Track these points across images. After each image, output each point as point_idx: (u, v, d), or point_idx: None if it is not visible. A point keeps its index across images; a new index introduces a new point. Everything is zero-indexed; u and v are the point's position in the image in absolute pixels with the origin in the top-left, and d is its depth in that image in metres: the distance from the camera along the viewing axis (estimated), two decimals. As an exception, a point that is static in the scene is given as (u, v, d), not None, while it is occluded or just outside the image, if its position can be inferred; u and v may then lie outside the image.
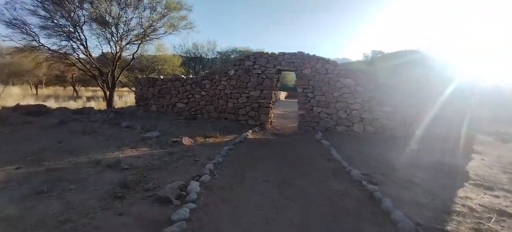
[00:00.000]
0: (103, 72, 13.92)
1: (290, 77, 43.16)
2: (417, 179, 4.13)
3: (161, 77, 9.68)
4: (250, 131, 7.78)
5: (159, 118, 9.37)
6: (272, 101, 8.84)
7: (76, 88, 24.82)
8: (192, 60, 24.48)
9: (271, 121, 9.29)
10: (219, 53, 25.50)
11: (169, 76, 10.16)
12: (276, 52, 8.38)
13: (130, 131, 7.09)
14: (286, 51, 8.32)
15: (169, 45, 58.61)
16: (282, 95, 41.94)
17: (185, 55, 24.27)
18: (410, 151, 5.92)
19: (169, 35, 14.84)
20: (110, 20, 12.93)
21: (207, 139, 6.60)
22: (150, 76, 9.83)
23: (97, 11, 12.29)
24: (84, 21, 12.70)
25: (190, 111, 9.34)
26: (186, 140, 5.94)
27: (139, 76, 10.05)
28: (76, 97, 20.01)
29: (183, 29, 14.83)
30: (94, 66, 13.40)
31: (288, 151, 5.86)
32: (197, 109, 9.28)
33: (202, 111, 9.23)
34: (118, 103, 15.70)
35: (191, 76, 9.46)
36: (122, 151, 5.15)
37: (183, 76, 9.42)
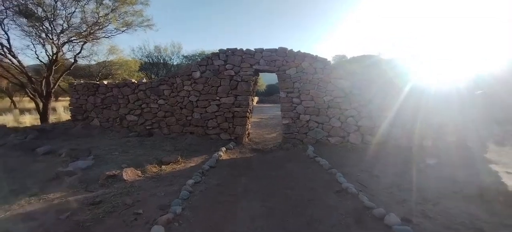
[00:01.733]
0: (34, 79, 11.10)
1: (260, 81, 42.01)
2: (478, 221, 2.76)
3: (105, 82, 7.49)
4: (224, 149, 6.04)
5: (103, 136, 7.16)
6: (250, 109, 7.20)
7: (16, 98, 20.74)
8: (154, 66, 21.94)
9: (248, 133, 7.64)
10: (185, 57, 23.30)
11: (116, 82, 7.97)
12: (253, 49, 6.79)
13: (48, 161, 4.90)
14: (262, 49, 6.76)
15: (126, 47, 54.20)
16: (254, 100, 40.55)
17: (146, 59, 21.69)
18: (430, 168, 4.68)
19: (121, 33, 12.49)
20: (42, 14, 10.31)
21: (163, 167, 4.70)
22: (91, 82, 7.58)
23: (21, 1, 9.66)
24: (6, 15, 9.94)
25: (145, 125, 7.30)
26: (129, 173, 4.00)
27: (75, 82, 7.71)
28: (13, 109, 16.41)
29: (139, 26, 12.60)
30: (19, 71, 10.56)
31: (278, 179, 4.23)
32: (153, 122, 7.27)
33: (161, 124, 7.25)
34: (62, 115, 12.80)
35: (144, 81, 7.43)
36: (10, 205, 3.07)
37: (133, 81, 7.36)
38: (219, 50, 6.88)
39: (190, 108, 7.01)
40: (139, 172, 4.23)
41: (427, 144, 5.78)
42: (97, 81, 14.33)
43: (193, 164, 5.04)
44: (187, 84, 7.00)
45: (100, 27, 11.78)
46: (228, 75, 6.80)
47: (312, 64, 6.48)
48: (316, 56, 6.51)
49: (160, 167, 4.65)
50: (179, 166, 4.86)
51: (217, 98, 6.87)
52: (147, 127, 7.27)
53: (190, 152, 6.03)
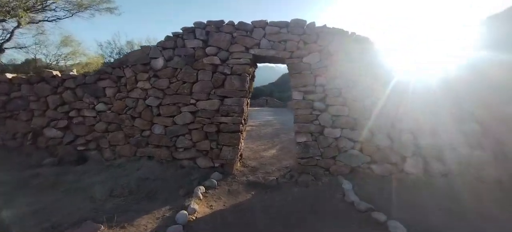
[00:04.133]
0: None
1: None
2: None
3: (8, 76, 4.63)
4: (202, 188, 3.48)
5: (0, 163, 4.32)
6: (244, 118, 4.64)
7: None
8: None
9: (241, 154, 5.07)
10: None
11: (28, 75, 5.08)
12: (249, 22, 4.26)
13: None
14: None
15: (91, 41, 49.88)
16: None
17: (117, 56, 18.48)
18: None
19: (71, 17, 9.56)
20: None
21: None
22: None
23: None
24: None
25: (75, 144, 4.53)
26: None
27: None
28: None
29: (95, 9, 9.72)
30: None
31: None
32: (89, 140, 4.52)
33: (101, 143, 4.51)
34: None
35: (73, 73, 4.66)
36: None
37: (55, 73, 4.56)
38: (194, 24, 4.28)
39: (147, 117, 4.34)
40: None
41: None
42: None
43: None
44: (142, 79, 4.33)
45: (43, 8, 8.80)
46: (210, 64, 4.21)
47: (345, 46, 4.05)
48: (353, 33, 4.09)
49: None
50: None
51: (192, 101, 4.26)
52: (79, 148, 4.51)
53: (141, 195, 3.40)
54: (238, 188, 3.93)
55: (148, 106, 4.36)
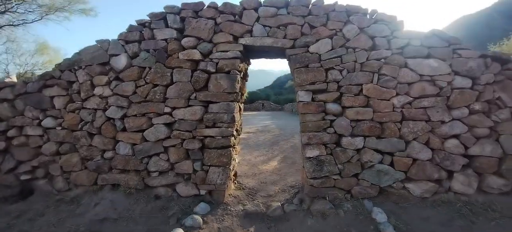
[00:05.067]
0: None
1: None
2: None
3: None
4: (180, 231, 2.44)
5: None
6: (237, 129, 3.61)
7: None
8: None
9: (235, 173, 4.05)
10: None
11: None
12: (238, 3, 3.27)
13: None
14: None
15: (71, 49, 48.48)
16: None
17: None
18: None
19: (39, 21, 8.51)
20: None
21: None
22: None
23: None
24: None
25: (17, 172, 3.46)
26: None
27: None
28: None
29: (68, 10, 8.68)
30: None
31: None
32: (35, 166, 3.45)
33: (51, 169, 3.44)
34: None
35: (10, 80, 3.60)
36: None
37: (-13, 80, 3.51)
38: (165, 8, 3.26)
39: (109, 133, 3.30)
40: None
41: None
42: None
43: None
44: (100, 83, 3.30)
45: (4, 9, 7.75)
46: (188, 60, 3.20)
47: (365, 28, 3.08)
48: (374, 11, 3.12)
49: None
50: None
51: (167, 109, 3.23)
52: (23, 177, 3.44)
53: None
54: (232, 224, 2.91)
55: (109, 118, 3.32)
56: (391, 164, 3.08)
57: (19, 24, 8.24)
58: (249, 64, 3.94)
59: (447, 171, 3.00)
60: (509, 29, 13.56)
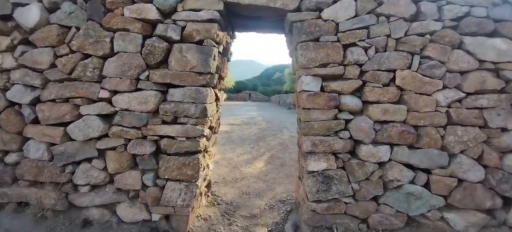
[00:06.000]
0: None
1: (229, 77, 35.91)
2: None
3: None
4: None
5: None
6: (211, 126, 2.57)
7: None
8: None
9: (209, 183, 3.02)
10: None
11: None
12: None
13: None
14: None
15: None
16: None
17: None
18: None
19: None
20: None
21: None
22: None
23: None
24: None
25: None
26: None
27: None
28: None
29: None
30: None
31: None
32: None
33: None
34: None
35: None
36: None
37: None
38: None
39: (13, 126, 2.16)
40: None
41: None
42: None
43: None
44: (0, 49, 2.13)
45: None
46: (138, 19, 2.09)
47: (406, -12, 2.10)
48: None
49: None
50: None
51: (104, 94, 2.12)
52: None
53: None
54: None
55: (12, 104, 2.17)
56: (426, 185, 2.19)
57: None
58: (233, 37, 2.88)
59: (504, 198, 2.15)
60: None
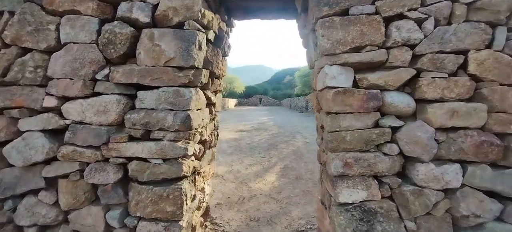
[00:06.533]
0: None
1: (237, 82, 35.17)
2: None
3: None
4: None
5: None
6: (203, 140, 1.92)
7: None
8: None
9: (207, 210, 2.37)
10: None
11: None
12: None
13: None
14: None
15: None
16: (231, 102, 34.45)
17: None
18: None
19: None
20: None
21: None
22: None
23: None
24: None
25: None
26: None
27: None
28: None
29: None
30: None
31: None
32: None
33: None
34: None
35: None
36: None
37: None
38: None
39: None
40: None
41: None
42: None
43: None
44: None
45: None
46: (92, -4, 1.50)
47: None
48: None
49: None
50: None
51: (51, 101, 1.54)
52: None
53: None
54: None
55: None
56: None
57: None
58: (230, 25, 2.25)
59: None
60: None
